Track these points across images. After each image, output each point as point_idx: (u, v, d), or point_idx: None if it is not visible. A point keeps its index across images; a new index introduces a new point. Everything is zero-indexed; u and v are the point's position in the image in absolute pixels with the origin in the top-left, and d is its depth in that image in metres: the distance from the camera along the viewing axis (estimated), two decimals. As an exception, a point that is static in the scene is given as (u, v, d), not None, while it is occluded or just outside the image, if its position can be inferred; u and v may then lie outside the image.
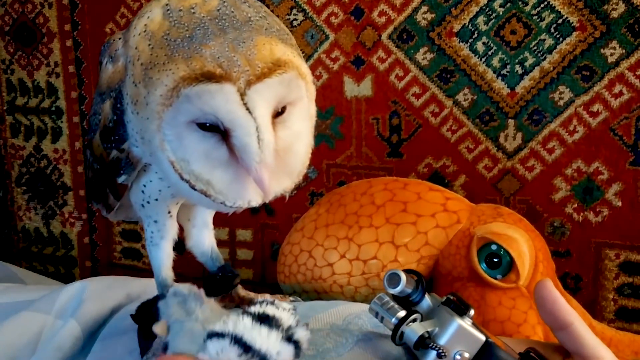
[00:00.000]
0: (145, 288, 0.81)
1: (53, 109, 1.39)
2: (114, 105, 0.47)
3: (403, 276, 0.47)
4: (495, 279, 0.78)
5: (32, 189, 1.47)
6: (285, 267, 0.90)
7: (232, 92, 0.41)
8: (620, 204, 0.97)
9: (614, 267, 0.99)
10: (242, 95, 0.42)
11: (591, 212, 0.99)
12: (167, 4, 0.45)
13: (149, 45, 0.44)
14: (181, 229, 0.63)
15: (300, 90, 0.46)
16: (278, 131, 0.45)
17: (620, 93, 0.95)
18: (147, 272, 1.35)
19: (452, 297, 0.47)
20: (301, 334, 0.47)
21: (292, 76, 0.44)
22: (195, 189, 0.46)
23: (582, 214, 1.00)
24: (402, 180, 0.92)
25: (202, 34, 0.42)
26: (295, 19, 1.13)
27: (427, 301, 0.48)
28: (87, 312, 0.73)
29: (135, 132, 0.46)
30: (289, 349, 0.46)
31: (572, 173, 1.00)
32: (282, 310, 0.47)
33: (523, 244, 0.79)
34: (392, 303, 0.48)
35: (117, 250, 1.40)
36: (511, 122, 1.02)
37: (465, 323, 0.45)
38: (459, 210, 0.85)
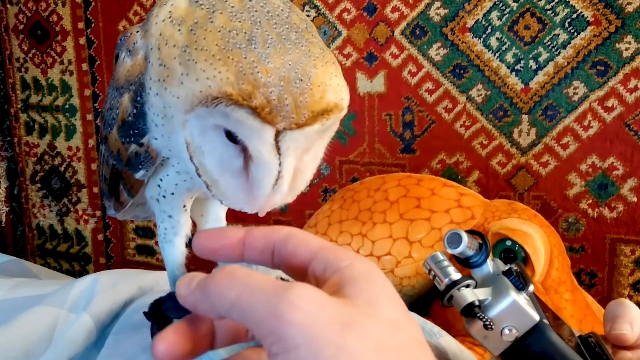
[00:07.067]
0: (157, 280, 0.81)
1: (67, 106, 1.40)
2: (134, 98, 0.46)
3: (465, 237, 0.45)
4: (510, 274, 0.77)
5: (47, 186, 1.48)
6: (299, 263, 0.90)
7: (270, 133, 0.39)
8: (635, 199, 0.96)
9: (629, 263, 0.98)
10: (278, 134, 0.39)
11: (606, 208, 0.99)
12: None
13: (179, 30, 0.41)
14: (194, 226, 0.63)
15: (334, 127, 0.44)
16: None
17: (636, 88, 0.94)
18: (160, 268, 1.35)
19: (515, 268, 0.45)
20: None
21: (333, 121, 0.41)
22: (200, 177, 0.45)
23: (596, 209, 0.99)
24: (415, 176, 0.91)
25: (262, 39, 0.39)
26: (308, 15, 1.13)
27: (487, 266, 0.46)
28: (99, 305, 0.73)
29: (157, 110, 0.44)
30: None
31: (587, 168, 0.99)
32: None
33: (538, 239, 0.78)
34: (447, 262, 0.45)
35: (131, 247, 1.41)
36: (525, 117, 1.01)
37: (521, 299, 0.43)
38: (473, 206, 0.85)
